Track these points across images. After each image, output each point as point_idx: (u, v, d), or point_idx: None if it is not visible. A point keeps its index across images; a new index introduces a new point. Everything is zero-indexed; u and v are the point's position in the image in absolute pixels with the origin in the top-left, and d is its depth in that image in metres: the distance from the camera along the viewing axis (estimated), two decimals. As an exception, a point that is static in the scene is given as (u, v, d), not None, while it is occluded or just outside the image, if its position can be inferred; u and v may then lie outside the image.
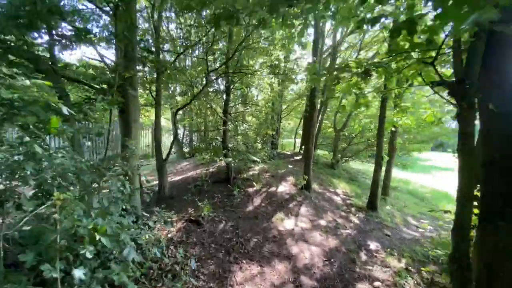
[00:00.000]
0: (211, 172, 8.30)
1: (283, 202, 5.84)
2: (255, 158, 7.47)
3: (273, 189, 6.65)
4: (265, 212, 5.34)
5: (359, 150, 10.19)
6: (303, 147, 12.95)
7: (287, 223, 4.94)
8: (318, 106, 6.76)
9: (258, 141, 8.66)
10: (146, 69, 6.62)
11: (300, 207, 5.64)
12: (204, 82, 7.16)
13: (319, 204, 5.93)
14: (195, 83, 7.32)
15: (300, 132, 15.33)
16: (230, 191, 6.36)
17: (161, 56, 6.74)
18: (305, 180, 6.48)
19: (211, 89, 8.00)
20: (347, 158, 10.44)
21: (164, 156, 6.68)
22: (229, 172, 7.25)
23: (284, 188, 6.78)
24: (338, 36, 9.90)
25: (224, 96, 7.19)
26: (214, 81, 6.88)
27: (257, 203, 5.77)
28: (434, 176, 14.78)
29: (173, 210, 5.54)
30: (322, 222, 5.05)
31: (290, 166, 9.65)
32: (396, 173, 10.38)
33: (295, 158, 11.86)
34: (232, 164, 6.68)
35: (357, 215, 5.52)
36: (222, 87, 7.67)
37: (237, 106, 9.31)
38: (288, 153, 13.33)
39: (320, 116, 9.97)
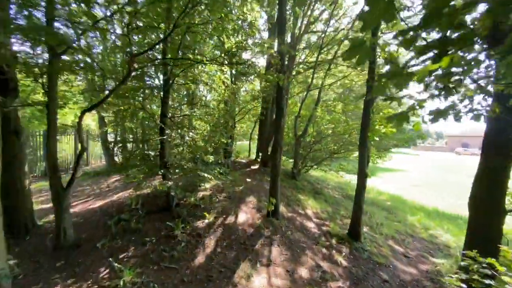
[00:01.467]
0: (146, 195, 6.16)
1: (246, 241, 4.25)
2: (206, 175, 5.69)
3: (231, 219, 5.00)
4: (223, 264, 3.66)
5: (321, 158, 9.34)
6: (260, 154, 11.67)
7: (256, 281, 3.37)
8: (284, 110, 5.45)
9: (210, 151, 6.88)
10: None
11: (271, 248, 4.14)
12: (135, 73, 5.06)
13: (293, 238, 4.54)
14: (114, 74, 5.13)
15: (256, 136, 14.09)
16: (170, 230, 4.46)
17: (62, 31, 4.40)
18: (272, 205, 5.03)
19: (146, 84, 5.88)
20: (309, 167, 9.52)
21: (72, 177, 4.36)
22: (169, 198, 5.31)
23: (246, 216, 5.21)
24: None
25: (162, 94, 5.23)
26: (145, 71, 4.85)
27: (211, 248, 4.04)
28: (383, 178, 15.26)
29: (73, 277, 3.42)
30: (304, 272, 3.64)
31: (249, 180, 8.14)
32: (348, 178, 9.96)
33: (252, 167, 10.42)
34: (172, 193, 4.78)
35: (342, 252, 4.31)
36: (159, 82, 5.66)
37: (182, 107, 7.35)
38: (243, 161, 11.83)
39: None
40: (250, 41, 5.23)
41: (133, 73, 4.77)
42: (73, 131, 13.44)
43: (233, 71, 10.32)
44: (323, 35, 9.19)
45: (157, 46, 4.29)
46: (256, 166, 10.50)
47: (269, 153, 10.41)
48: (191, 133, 5.15)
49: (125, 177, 7.97)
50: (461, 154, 43.07)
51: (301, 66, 10.50)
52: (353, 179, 10.23)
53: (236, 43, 4.62)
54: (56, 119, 4.38)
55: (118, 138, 12.30)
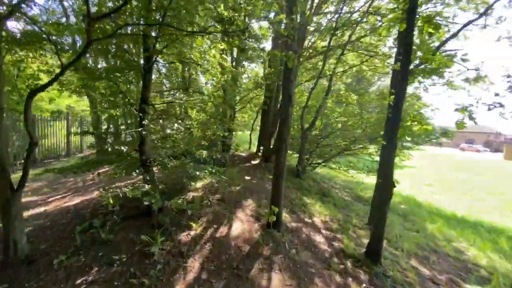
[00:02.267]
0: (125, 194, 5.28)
1: (240, 264, 3.37)
2: (196, 173, 4.77)
3: (223, 231, 4.12)
4: (208, 299, 2.80)
5: (330, 154, 8.36)
6: (261, 148, 10.72)
7: (250, 328, 2.50)
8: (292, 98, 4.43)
9: (204, 145, 5.94)
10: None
11: (270, 274, 3.26)
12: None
13: (298, 259, 3.65)
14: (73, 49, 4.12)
15: (258, 127, 13.09)
16: (146, 245, 3.59)
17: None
18: (274, 215, 4.13)
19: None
20: (315, 165, 8.57)
21: (22, 177, 3.47)
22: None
23: (242, 226, 4.32)
24: None
25: (142, 74, 4.24)
26: (120, 45, 3.83)
27: (194, 273, 3.16)
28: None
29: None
30: (314, 314, 2.77)
31: (248, 178, 7.23)
32: (356, 176, 8.97)
33: (253, 162, 9.50)
34: (146, 202, 3.87)
35: (360, 279, 3.42)
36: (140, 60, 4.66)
37: (175, 93, 6.32)
38: (243, 154, 10.90)
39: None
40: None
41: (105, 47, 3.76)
42: (65, 116, 12.59)
43: (234, 54, 9.23)
44: (336, 16, 8.02)
45: (131, 9, 3.26)
46: (257, 161, 9.58)
47: (271, 147, 9.47)
48: (176, 125, 4.19)
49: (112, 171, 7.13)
50: (465, 150, 41.97)
51: (310, 50, 9.36)
52: (362, 177, 9.32)
53: (233, 5, 3.55)
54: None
55: (106, 127, 11.41)
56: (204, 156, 5.40)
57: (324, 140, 8.65)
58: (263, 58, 11.04)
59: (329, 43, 7.97)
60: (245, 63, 10.79)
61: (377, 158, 8.45)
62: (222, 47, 4.48)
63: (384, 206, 3.71)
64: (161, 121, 4.55)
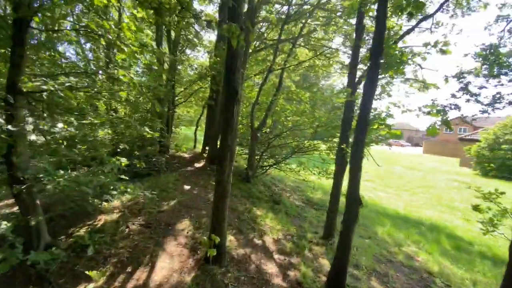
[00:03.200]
0: None
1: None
2: (93, 200, 3.36)
3: (140, 277, 2.89)
4: None
5: (282, 155, 7.69)
6: (207, 148, 9.49)
7: None
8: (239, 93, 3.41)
9: (123, 148, 4.48)
10: None
11: None
12: None
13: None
14: None
15: (203, 125, 11.75)
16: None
17: None
18: (214, 247, 3.08)
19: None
20: (266, 167, 7.81)
21: None
22: (31, 235, 2.89)
23: (170, 265, 3.15)
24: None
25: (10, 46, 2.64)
26: None
27: None
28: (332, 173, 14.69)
29: None
30: None
31: (187, 187, 6.00)
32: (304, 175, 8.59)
33: (196, 165, 8.24)
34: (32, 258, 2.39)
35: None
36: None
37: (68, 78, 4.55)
38: (186, 155, 9.49)
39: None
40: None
41: None
42: None
43: (172, 35, 7.73)
44: (288, 7, 7.32)
45: None
46: (201, 164, 8.35)
47: (218, 147, 8.36)
48: (60, 125, 2.74)
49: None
50: (392, 145, 47.97)
51: (259, 43, 8.51)
52: (312, 179, 9.00)
53: None
54: None
55: None
56: (121, 163, 3.99)
57: (275, 140, 7.96)
58: (204, 45, 9.78)
59: (280, 34, 7.23)
60: (188, 51, 9.35)
61: (326, 157, 8.19)
62: (139, 14, 3.15)
63: (349, 232, 3.04)
64: (47, 117, 2.99)
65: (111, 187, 3.31)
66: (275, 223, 5.02)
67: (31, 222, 2.67)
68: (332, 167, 7.62)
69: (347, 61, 9.71)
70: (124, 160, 4.12)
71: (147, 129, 4.44)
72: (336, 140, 7.19)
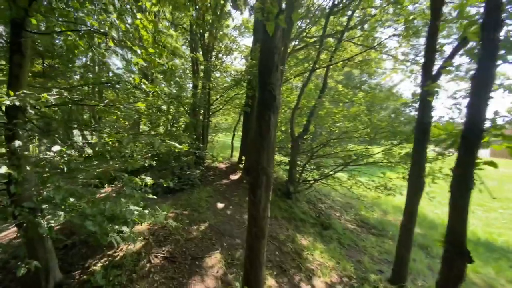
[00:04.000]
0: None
1: None
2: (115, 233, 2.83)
3: None
4: None
5: (330, 168, 6.55)
6: (243, 158, 8.85)
7: None
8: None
9: (149, 164, 3.98)
10: None
11: None
12: None
13: None
14: None
15: (241, 132, 11.22)
16: None
17: None
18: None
19: None
20: (311, 182, 6.76)
21: None
22: (39, 273, 2.47)
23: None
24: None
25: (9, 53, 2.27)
26: None
27: None
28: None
29: None
30: None
31: (221, 205, 5.35)
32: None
33: (232, 177, 7.62)
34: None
35: None
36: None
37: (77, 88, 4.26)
38: (222, 166, 8.98)
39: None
40: None
41: None
42: None
43: (205, 40, 7.31)
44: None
45: None
46: (237, 176, 7.70)
47: (252, 168, 7.64)
48: (56, 147, 2.25)
49: None
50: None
51: (299, 38, 7.57)
52: (365, 193, 7.58)
53: None
54: None
55: None
56: (147, 183, 3.50)
57: (320, 149, 6.87)
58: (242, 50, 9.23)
59: (325, 27, 6.21)
60: (221, 55, 8.91)
61: (385, 168, 6.74)
62: (155, 8, 2.60)
63: None
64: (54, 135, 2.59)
65: (126, 219, 2.77)
66: (326, 257, 3.99)
67: (32, 266, 2.22)
68: (394, 181, 6.24)
69: (399, 56, 8.13)
70: (149, 180, 3.62)
71: (175, 144, 3.90)
72: (398, 148, 5.82)
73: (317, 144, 6.94)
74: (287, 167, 7.32)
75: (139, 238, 3.72)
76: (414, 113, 6.32)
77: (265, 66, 2.30)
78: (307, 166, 6.98)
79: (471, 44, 3.81)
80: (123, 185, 3.34)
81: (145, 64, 2.86)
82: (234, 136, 11.88)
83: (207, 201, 5.45)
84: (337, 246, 4.56)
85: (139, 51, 2.54)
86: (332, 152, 7.27)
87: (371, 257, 4.51)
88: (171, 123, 4.77)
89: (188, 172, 6.67)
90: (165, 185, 3.77)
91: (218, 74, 9.61)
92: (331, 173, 6.30)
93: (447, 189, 1.99)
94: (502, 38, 1.82)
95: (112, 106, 2.63)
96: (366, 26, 6.30)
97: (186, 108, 6.26)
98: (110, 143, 3.16)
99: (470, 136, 1.77)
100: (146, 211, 3.29)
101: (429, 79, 3.48)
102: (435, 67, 3.54)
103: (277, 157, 9.31)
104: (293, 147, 6.59)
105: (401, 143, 5.71)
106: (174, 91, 3.40)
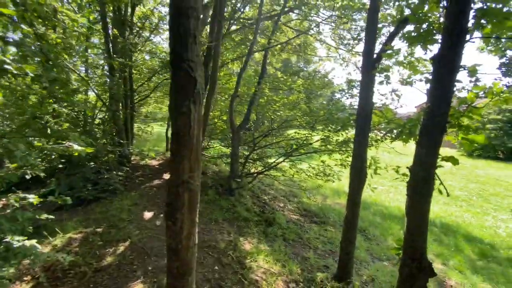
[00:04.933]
0: None
1: None
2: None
3: None
4: None
5: (274, 157, 6.25)
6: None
7: None
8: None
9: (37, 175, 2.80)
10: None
11: None
12: None
13: None
14: None
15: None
16: None
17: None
18: None
19: None
20: (254, 174, 6.35)
21: None
22: None
23: None
24: None
25: None
26: None
27: None
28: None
29: None
30: None
31: (148, 215, 4.46)
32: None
33: (166, 177, 6.64)
34: None
35: None
36: None
37: None
38: (155, 163, 7.83)
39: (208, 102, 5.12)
40: None
41: None
42: None
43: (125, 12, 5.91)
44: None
45: None
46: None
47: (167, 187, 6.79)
48: None
49: None
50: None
51: (234, 19, 6.87)
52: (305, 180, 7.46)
53: None
54: None
55: None
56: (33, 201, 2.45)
57: (262, 139, 6.50)
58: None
59: (260, 6, 5.66)
60: (147, 34, 7.53)
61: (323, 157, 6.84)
62: None
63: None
64: None
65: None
66: (271, 261, 3.63)
67: None
68: (333, 168, 6.36)
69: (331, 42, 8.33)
70: (32, 198, 2.56)
71: (74, 145, 2.81)
72: (334, 135, 5.87)
73: (259, 134, 6.54)
74: (229, 160, 6.76)
75: (24, 279, 2.63)
76: (348, 100, 6.50)
77: (176, 34, 1.57)
78: (250, 157, 6.55)
79: (408, 28, 3.77)
80: None
81: None
82: (169, 127, 10.60)
83: (131, 211, 4.46)
84: (282, 244, 4.28)
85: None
86: (274, 141, 7.02)
87: (315, 250, 4.41)
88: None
89: (106, 176, 5.41)
90: (59, 202, 2.72)
91: (147, 57, 8.17)
92: (273, 164, 6.00)
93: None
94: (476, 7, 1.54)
95: None
96: (303, 8, 6.01)
97: (104, 97, 4.90)
98: None
99: (433, 128, 1.48)
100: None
101: (370, 63, 3.31)
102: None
103: (219, 149, 8.65)
104: (233, 138, 6.01)
105: (338, 130, 5.76)
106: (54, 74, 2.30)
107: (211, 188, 5.94)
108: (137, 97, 7.84)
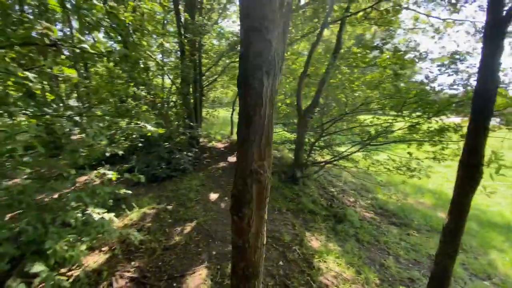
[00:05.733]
0: None
1: None
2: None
3: None
4: None
5: (346, 146, 5.56)
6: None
7: None
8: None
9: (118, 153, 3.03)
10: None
11: None
12: None
13: None
14: None
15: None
16: None
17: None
18: None
19: None
20: (322, 163, 5.78)
21: None
22: None
23: None
24: None
25: None
26: None
27: None
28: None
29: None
30: None
31: (214, 196, 4.52)
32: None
33: (230, 160, 6.73)
34: None
35: None
36: None
37: None
38: (221, 146, 8.07)
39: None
40: None
41: None
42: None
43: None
44: None
45: None
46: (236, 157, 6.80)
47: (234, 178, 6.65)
48: None
49: None
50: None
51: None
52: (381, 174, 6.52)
53: None
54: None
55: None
56: (111, 177, 2.67)
57: (332, 125, 5.80)
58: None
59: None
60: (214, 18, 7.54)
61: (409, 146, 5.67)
62: None
63: None
64: None
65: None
66: (343, 265, 3.16)
67: None
68: (422, 162, 5.23)
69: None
70: (110, 174, 2.75)
71: (147, 126, 2.92)
72: (425, 122, 4.72)
73: (328, 118, 5.85)
74: (293, 146, 6.35)
75: (102, 249, 2.92)
76: (450, 78, 5.11)
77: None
78: (316, 144, 5.98)
79: None
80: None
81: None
82: (234, 112, 10.80)
83: (198, 191, 4.61)
84: (354, 245, 3.72)
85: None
86: (345, 127, 6.20)
87: (396, 258, 3.69)
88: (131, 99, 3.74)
89: (178, 156, 5.77)
90: (135, 180, 2.86)
91: (215, 41, 8.30)
92: (347, 154, 5.30)
93: None
94: None
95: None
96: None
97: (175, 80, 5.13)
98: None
99: None
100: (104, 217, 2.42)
101: (496, 21, 2.28)
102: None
103: (282, 134, 8.30)
104: (300, 124, 5.54)
105: (432, 116, 4.61)
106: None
107: (273, 174, 5.70)
108: (205, 82, 8.08)
